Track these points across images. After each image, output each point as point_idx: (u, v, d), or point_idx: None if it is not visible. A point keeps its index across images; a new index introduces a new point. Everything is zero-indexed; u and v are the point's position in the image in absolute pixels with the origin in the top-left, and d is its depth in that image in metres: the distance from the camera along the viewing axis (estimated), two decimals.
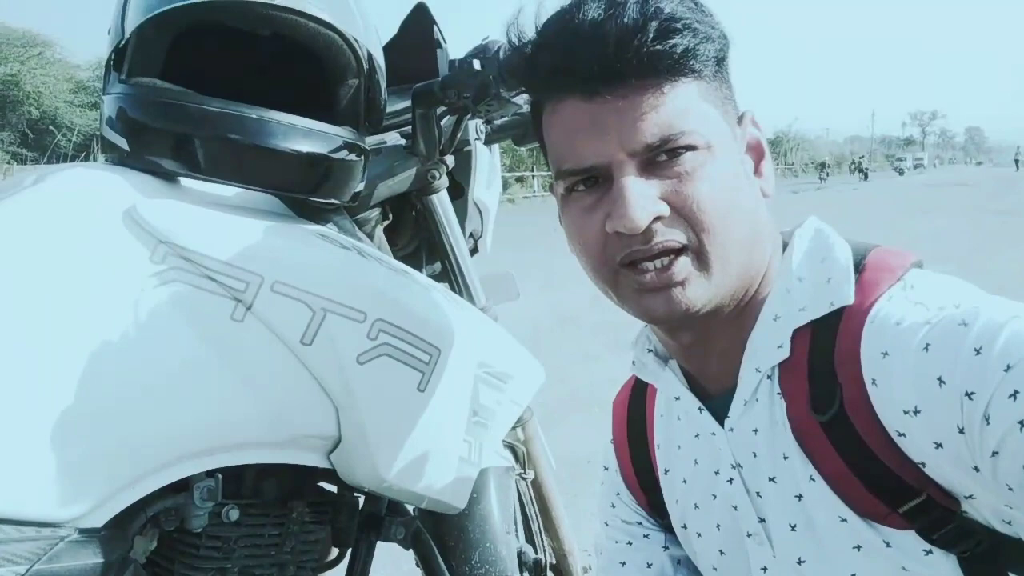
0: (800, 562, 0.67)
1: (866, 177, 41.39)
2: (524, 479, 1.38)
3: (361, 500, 1.02)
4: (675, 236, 0.62)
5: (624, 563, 0.84)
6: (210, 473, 0.80)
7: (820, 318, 0.64)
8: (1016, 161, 44.26)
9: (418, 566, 1.28)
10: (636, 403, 0.84)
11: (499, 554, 1.18)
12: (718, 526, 0.74)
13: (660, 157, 0.62)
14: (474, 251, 1.32)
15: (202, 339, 0.76)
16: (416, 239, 1.23)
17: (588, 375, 3.86)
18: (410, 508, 1.06)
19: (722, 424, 0.70)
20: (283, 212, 0.90)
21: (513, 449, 1.36)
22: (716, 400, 0.71)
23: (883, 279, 0.64)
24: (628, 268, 0.64)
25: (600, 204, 0.63)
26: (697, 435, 0.74)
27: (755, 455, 0.68)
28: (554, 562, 1.46)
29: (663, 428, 0.80)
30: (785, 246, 0.70)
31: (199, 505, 0.80)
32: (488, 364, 0.97)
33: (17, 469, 0.66)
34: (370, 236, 1.10)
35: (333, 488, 0.99)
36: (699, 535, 0.76)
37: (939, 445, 0.56)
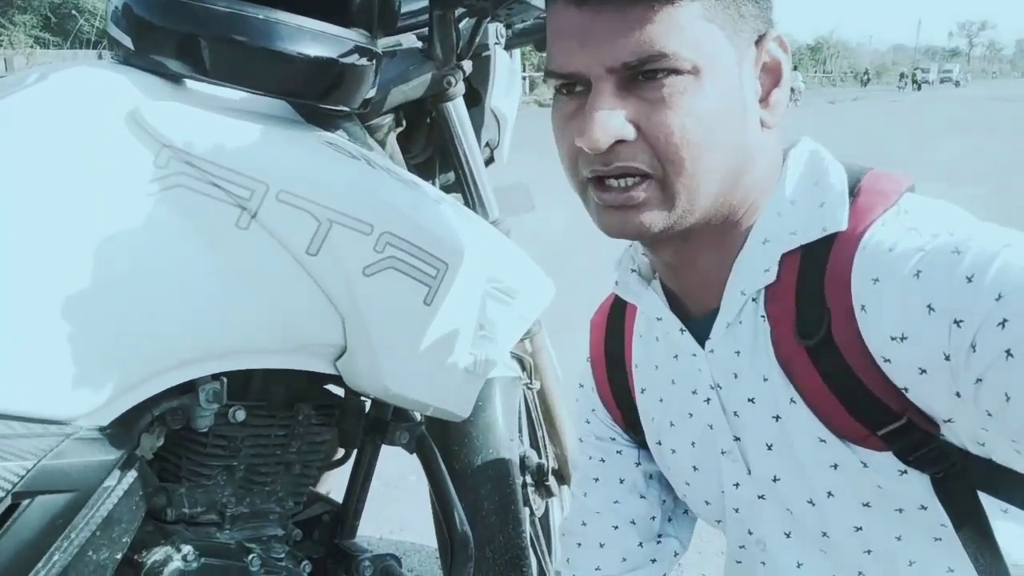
0: (775, 479, 0.68)
1: (919, 88, 39.86)
2: (530, 389, 1.40)
3: (367, 404, 1.04)
4: (637, 163, 0.60)
5: (597, 479, 0.86)
6: (215, 376, 0.81)
7: (811, 243, 0.63)
8: None
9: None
10: (614, 322, 0.84)
11: (502, 459, 1.21)
12: (692, 443, 0.75)
13: (639, 77, 0.59)
14: (490, 161, 1.29)
15: (206, 245, 0.75)
16: (430, 147, 1.19)
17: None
18: (415, 414, 1.07)
19: (703, 345, 0.70)
20: (291, 117, 0.87)
21: (520, 360, 1.37)
22: (697, 321, 0.71)
23: (877, 204, 0.63)
24: (593, 183, 0.63)
25: (577, 114, 0.61)
26: (676, 356, 0.74)
27: (736, 376, 0.68)
28: (556, 467, 1.50)
29: (641, 348, 0.80)
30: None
31: (204, 406, 0.81)
32: (497, 279, 0.96)
33: (23, 366, 0.68)
34: (382, 143, 1.07)
35: (339, 391, 1.00)
36: (673, 451, 0.78)
37: (923, 371, 0.57)
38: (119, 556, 0.74)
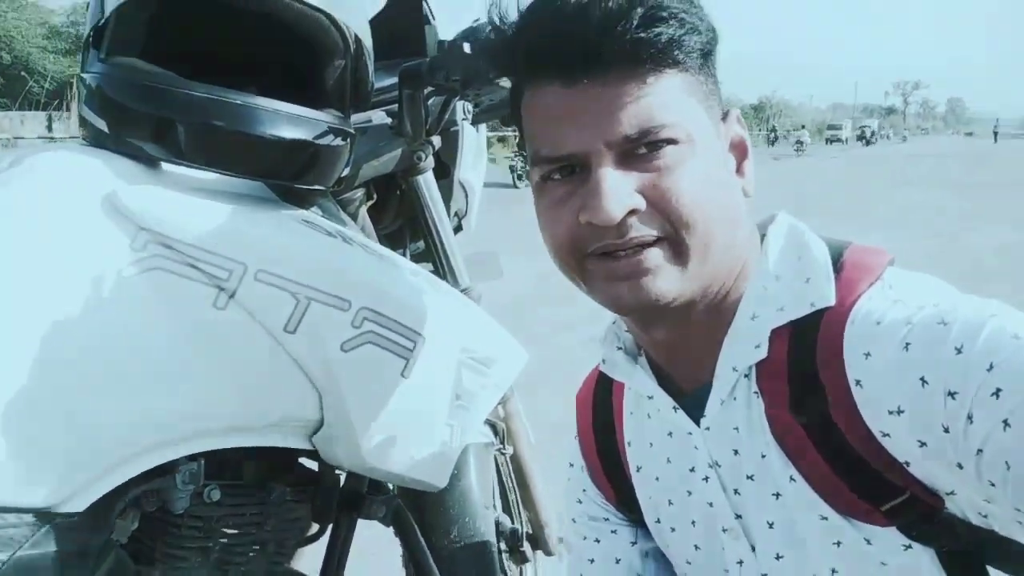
0: (778, 557, 0.67)
1: (867, 144, 41.21)
2: (503, 454, 1.39)
3: (342, 478, 1.03)
4: (650, 231, 0.60)
5: (592, 560, 0.83)
6: (192, 457, 0.80)
7: (799, 318, 0.63)
8: (995, 133, 44.39)
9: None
10: (601, 398, 0.82)
11: (478, 528, 1.20)
12: (693, 522, 0.73)
13: (639, 150, 0.60)
14: (458, 229, 1.31)
15: (184, 326, 0.75)
16: (400, 218, 1.21)
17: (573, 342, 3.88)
18: (390, 486, 1.06)
19: (698, 423, 0.69)
20: (267, 196, 0.88)
21: (493, 426, 1.37)
22: (689, 397, 0.70)
23: (862, 278, 0.63)
24: (599, 257, 0.62)
25: (575, 195, 0.61)
26: (670, 433, 0.73)
27: (736, 452, 0.67)
28: (531, 532, 1.49)
29: (633, 425, 0.78)
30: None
31: (181, 488, 0.80)
32: (471, 349, 0.97)
33: None
34: (354, 216, 1.09)
35: (314, 466, 0.99)
36: (673, 530, 0.76)
37: (923, 444, 0.56)
38: None
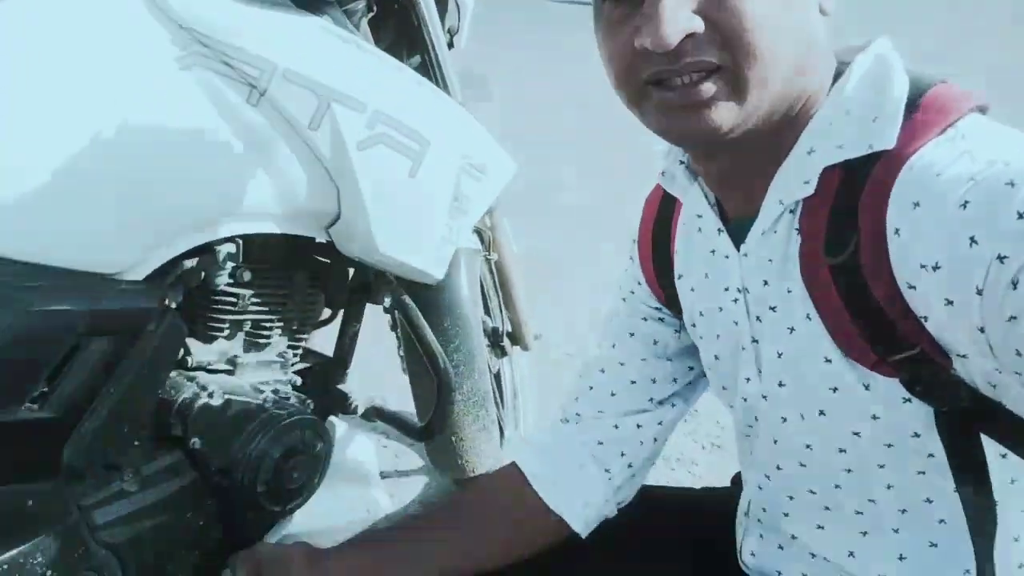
0: (781, 384, 0.69)
1: None
2: (488, 260, 1.53)
3: (351, 272, 1.16)
4: (707, 56, 0.56)
5: (633, 334, 0.86)
6: (229, 239, 0.91)
7: (856, 159, 0.59)
8: None
9: (393, 329, 1.46)
10: (665, 205, 0.83)
11: (467, 320, 1.36)
12: (718, 336, 0.76)
13: None
14: (450, 46, 1.36)
15: (222, 120, 0.83)
16: (397, 32, 1.27)
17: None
18: (394, 279, 1.19)
19: (738, 248, 0.69)
20: (285, 3, 0.94)
21: (480, 233, 1.50)
22: (736, 223, 0.70)
23: (934, 122, 0.57)
24: (655, 85, 0.59)
25: (631, 17, 0.57)
26: (713, 251, 0.74)
27: (765, 283, 0.67)
28: (510, 331, 1.66)
29: (683, 236, 0.79)
30: (839, 75, 0.64)
31: (220, 265, 0.91)
32: (469, 156, 1.07)
33: (72, 225, 0.76)
34: (356, 28, 1.14)
35: (327, 260, 1.12)
36: (701, 338, 0.80)
37: (950, 302, 0.53)
38: (158, 393, 0.86)
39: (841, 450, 0.66)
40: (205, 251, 0.91)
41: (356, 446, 1.19)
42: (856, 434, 0.65)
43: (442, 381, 1.11)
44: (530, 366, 1.87)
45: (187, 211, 0.84)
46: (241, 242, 0.91)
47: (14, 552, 0.75)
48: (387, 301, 1.13)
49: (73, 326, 0.75)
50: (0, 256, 0.72)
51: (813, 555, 0.76)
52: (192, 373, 0.97)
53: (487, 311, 1.65)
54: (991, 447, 0.62)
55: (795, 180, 0.63)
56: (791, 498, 0.74)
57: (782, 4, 0.56)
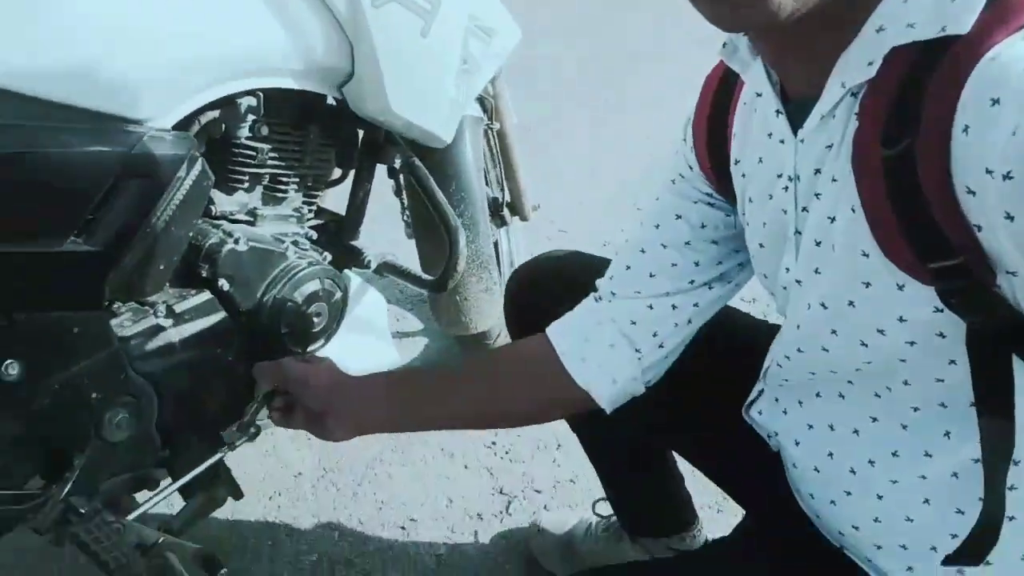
0: (817, 272, 0.66)
1: None
2: (491, 129, 1.57)
3: (360, 134, 1.20)
4: None
5: (680, 216, 0.83)
6: (249, 92, 0.95)
7: (927, 41, 0.53)
8: None
9: (397, 195, 1.51)
10: (725, 84, 0.78)
11: (472, 186, 1.41)
12: (764, 223, 0.73)
13: None
14: None
15: None
16: None
17: None
18: (402, 142, 1.24)
19: (795, 133, 0.65)
20: None
21: (483, 102, 1.52)
22: (794, 105, 0.65)
23: (1018, 17, 0.50)
24: None
25: None
26: (769, 135, 0.70)
27: (817, 171, 0.63)
28: (510, 200, 1.72)
29: (741, 118, 0.75)
30: None
31: (242, 118, 0.96)
32: (477, 18, 1.10)
33: (101, 68, 0.79)
34: None
35: (338, 121, 1.16)
36: (748, 224, 0.77)
37: (1011, 217, 0.48)
38: (190, 234, 0.92)
39: (863, 343, 0.65)
40: (226, 104, 0.95)
41: (369, 299, 1.27)
42: (881, 331, 0.62)
43: (453, 237, 1.17)
44: (525, 240, 1.94)
45: (210, 63, 0.88)
46: (262, 96, 0.95)
47: (64, 373, 0.83)
48: (396, 162, 1.18)
49: (112, 167, 0.80)
50: (32, 95, 0.76)
51: (810, 426, 0.78)
52: (217, 221, 1.03)
53: (487, 181, 1.69)
54: (1021, 370, 0.58)
55: (860, 61, 0.57)
56: (812, 374, 0.75)
57: None
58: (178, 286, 0.98)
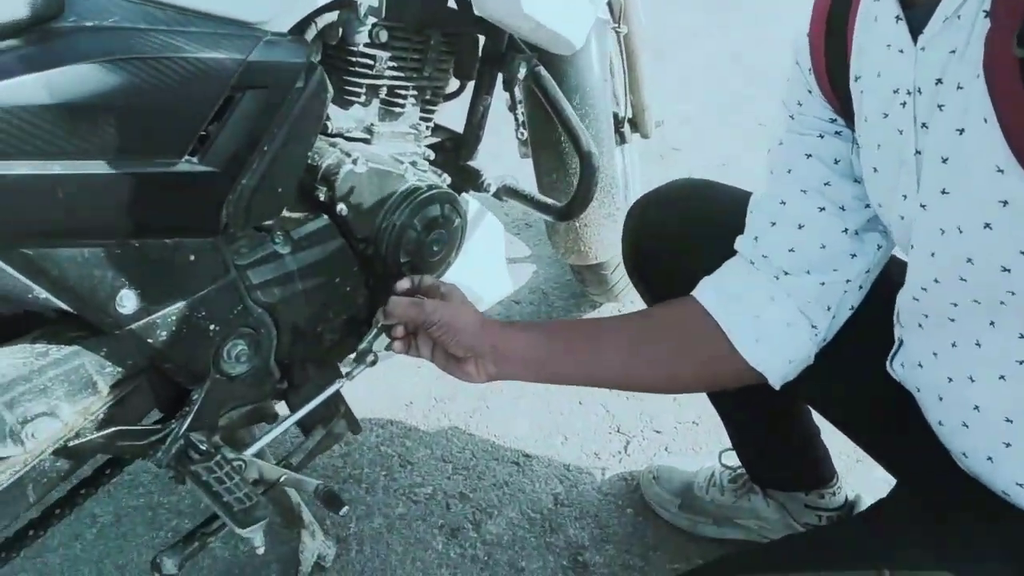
0: (944, 192, 0.61)
1: None
2: (618, 33, 1.42)
3: (481, 41, 1.08)
4: None
5: (810, 155, 0.77)
6: None
7: None
8: None
9: (511, 110, 1.40)
10: (840, 2, 0.72)
11: (597, 99, 1.29)
12: (878, 145, 0.68)
13: None
14: None
15: None
16: None
17: None
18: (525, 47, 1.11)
19: (915, 41, 0.60)
20: None
21: (610, 2, 1.37)
22: (918, 9, 0.60)
23: None
24: None
25: None
26: (889, 45, 0.64)
27: (939, 81, 0.59)
28: (631, 116, 1.58)
29: (862, 28, 0.69)
30: None
31: (361, 20, 0.86)
32: None
33: None
34: None
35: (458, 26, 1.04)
36: (861, 147, 0.72)
37: None
38: (309, 151, 0.84)
39: (1005, 269, 0.59)
40: (345, 4, 0.85)
41: (486, 226, 1.19)
42: (1022, 253, 0.57)
43: (585, 158, 1.06)
44: (639, 155, 1.80)
45: None
46: None
47: (181, 303, 0.77)
48: (521, 71, 1.07)
49: (227, 77, 0.72)
50: None
51: (950, 379, 0.71)
52: (333, 140, 0.95)
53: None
54: None
55: None
56: (954, 305, 0.68)
57: None
58: (296, 210, 0.91)
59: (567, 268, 1.84)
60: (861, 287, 0.80)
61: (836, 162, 0.76)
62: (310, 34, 0.84)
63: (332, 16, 0.85)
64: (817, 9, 0.74)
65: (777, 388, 0.81)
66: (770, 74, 2.69)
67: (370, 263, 0.97)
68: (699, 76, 2.78)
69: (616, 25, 1.40)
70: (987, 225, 0.58)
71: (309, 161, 0.90)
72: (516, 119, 1.44)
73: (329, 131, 0.95)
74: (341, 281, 0.93)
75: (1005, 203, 0.56)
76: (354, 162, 0.91)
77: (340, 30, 0.87)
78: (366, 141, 1.00)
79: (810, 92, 0.76)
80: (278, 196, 0.81)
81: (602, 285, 1.55)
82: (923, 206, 0.64)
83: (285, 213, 0.89)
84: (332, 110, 0.95)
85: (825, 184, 0.76)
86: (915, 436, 0.81)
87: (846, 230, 0.76)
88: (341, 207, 0.91)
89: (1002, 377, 0.66)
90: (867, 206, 0.76)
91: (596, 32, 1.27)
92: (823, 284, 0.78)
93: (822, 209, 0.76)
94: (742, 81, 2.75)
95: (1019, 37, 0.50)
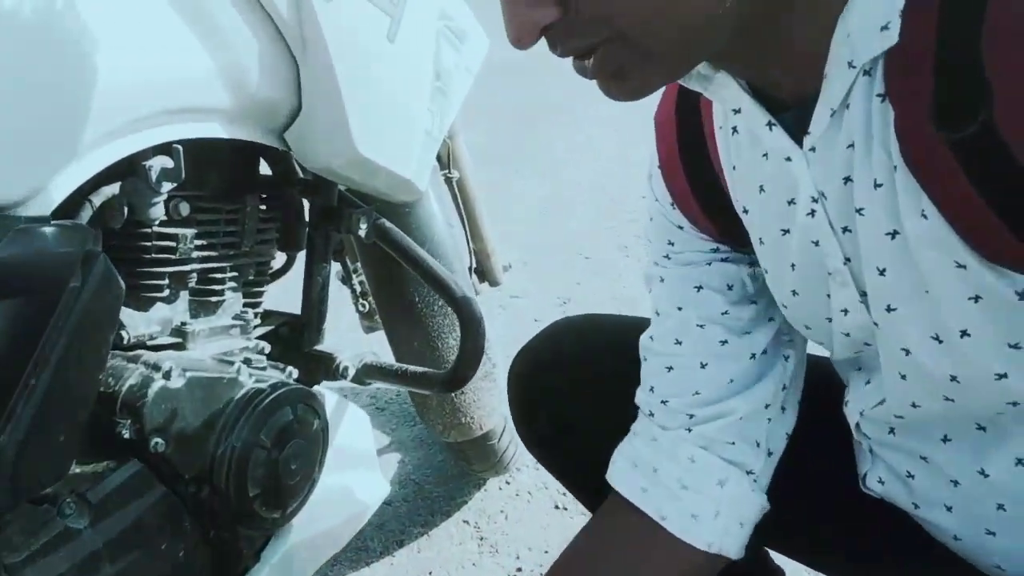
0: (890, 310, 0.54)
1: None
2: (450, 180, 1.31)
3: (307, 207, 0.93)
4: (582, 39, 0.46)
5: (700, 287, 0.70)
6: (161, 148, 0.66)
7: None
8: None
9: (345, 281, 1.23)
10: (686, 116, 0.66)
11: (446, 247, 1.15)
12: (792, 265, 0.61)
13: None
14: None
15: None
16: None
17: None
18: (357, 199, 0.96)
19: (800, 143, 0.53)
20: None
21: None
22: (789, 113, 0.54)
23: None
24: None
25: None
26: (765, 155, 0.58)
27: (847, 180, 0.52)
28: (476, 265, 1.46)
29: (723, 144, 0.63)
30: None
31: (154, 188, 0.67)
32: (448, 16, 0.86)
33: None
34: None
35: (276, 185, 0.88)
36: (767, 271, 0.65)
37: None
38: (100, 373, 0.61)
39: (1000, 376, 0.51)
40: (128, 171, 0.66)
41: (350, 419, 0.97)
42: (1016, 347, 0.50)
43: (463, 307, 0.90)
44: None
45: (100, 109, 0.59)
46: (180, 151, 0.66)
47: None
48: (362, 227, 0.91)
49: None
50: None
51: (955, 483, 0.62)
52: (132, 353, 0.72)
53: None
54: None
55: (867, 28, 0.46)
56: (944, 420, 0.60)
57: None
58: (90, 461, 0.66)
59: (437, 447, 1.63)
60: (784, 408, 0.71)
61: (729, 288, 0.69)
62: (85, 215, 0.63)
63: (112, 189, 0.65)
64: (663, 137, 0.68)
65: (738, 557, 0.69)
66: (587, 207, 2.75)
67: (207, 509, 0.73)
68: (515, 221, 2.79)
69: (447, 171, 1.30)
70: (964, 333, 0.51)
71: (102, 388, 0.67)
72: (353, 291, 1.27)
73: (125, 342, 0.73)
74: (168, 547, 0.69)
75: (977, 299, 0.49)
76: (165, 376, 0.68)
77: (126, 207, 0.67)
78: (178, 346, 0.77)
79: (681, 228, 0.70)
80: (59, 449, 0.57)
81: (489, 459, 1.35)
82: (877, 325, 0.57)
83: (75, 468, 0.64)
84: (127, 314, 0.73)
85: (723, 314, 0.69)
86: (914, 561, 0.71)
87: (753, 355, 0.69)
88: (156, 441, 0.67)
89: (1020, 462, 0.57)
90: (771, 319, 0.70)
91: (431, 179, 1.16)
92: (741, 419, 0.69)
93: (724, 342, 0.69)
94: (561, 217, 2.78)
95: (938, 119, 0.45)
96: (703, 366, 0.69)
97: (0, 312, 0.52)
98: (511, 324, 2.12)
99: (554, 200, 2.96)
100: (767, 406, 0.69)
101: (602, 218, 2.78)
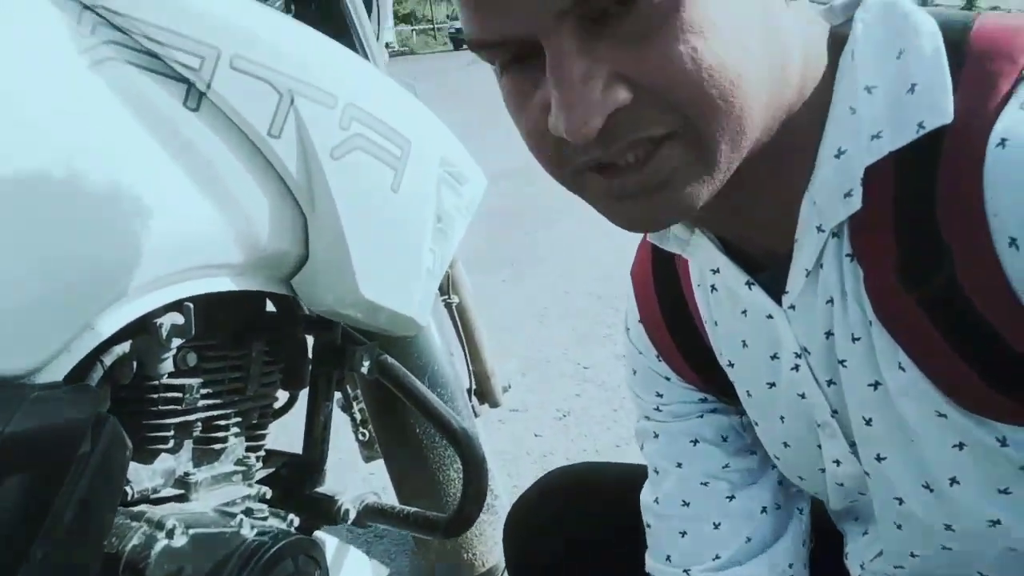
0: (880, 459, 0.55)
1: None
2: (449, 304, 1.34)
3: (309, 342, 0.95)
4: (652, 128, 0.43)
5: (696, 441, 0.69)
6: (172, 306, 0.69)
7: (907, 146, 0.46)
8: None
9: (345, 410, 1.24)
10: (663, 274, 0.67)
11: (446, 375, 1.16)
12: (781, 418, 0.61)
13: (608, 11, 0.40)
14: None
15: (150, 136, 0.62)
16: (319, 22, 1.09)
17: None
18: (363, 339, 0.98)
19: (779, 301, 0.55)
20: None
21: None
22: (767, 273, 0.56)
23: (1002, 73, 0.44)
24: (593, 170, 0.46)
25: (539, 86, 0.44)
26: (744, 312, 0.59)
27: (829, 335, 0.53)
28: (476, 387, 1.47)
29: (703, 300, 0.64)
30: (836, 42, 0.50)
31: (164, 345, 0.69)
32: (448, 162, 0.90)
33: None
34: None
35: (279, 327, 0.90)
36: (756, 424, 0.65)
37: None
38: (105, 537, 0.62)
39: (993, 522, 0.52)
40: (139, 330, 0.68)
41: (350, 563, 0.96)
42: (1005, 492, 0.51)
43: (465, 445, 0.90)
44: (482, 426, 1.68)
45: (108, 276, 0.62)
46: (191, 309, 0.69)
47: None
48: (364, 364, 0.92)
49: None
50: None
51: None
52: (136, 509, 0.73)
53: None
54: None
55: (831, 195, 0.49)
56: (945, 564, 0.59)
57: (731, 24, 0.41)
58: None
59: None
60: (806, 565, 0.70)
61: (724, 439, 0.69)
62: (95, 377, 0.65)
63: (123, 348, 0.67)
64: (642, 293, 0.69)
65: None
66: (583, 314, 2.78)
67: None
68: (511, 329, 2.81)
69: (446, 297, 1.33)
70: (953, 480, 0.51)
71: (107, 549, 0.67)
72: (353, 419, 1.28)
73: (129, 498, 0.73)
74: None
75: (961, 446, 0.50)
76: (168, 535, 0.69)
77: (135, 364, 0.69)
78: (181, 498, 0.78)
79: (668, 379, 0.70)
80: None
81: None
82: (868, 475, 0.57)
83: None
84: (132, 468, 0.74)
85: (724, 468, 0.69)
86: None
87: (764, 509, 0.68)
88: None
89: None
90: (773, 466, 0.69)
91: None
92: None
93: (731, 498, 0.68)
94: (557, 324, 2.81)
95: (903, 277, 0.47)
96: (716, 527, 0.68)
97: (11, 484, 0.53)
98: (512, 440, 2.12)
99: (552, 306, 3.00)
100: (791, 565, 0.68)
101: (599, 325, 2.81)
